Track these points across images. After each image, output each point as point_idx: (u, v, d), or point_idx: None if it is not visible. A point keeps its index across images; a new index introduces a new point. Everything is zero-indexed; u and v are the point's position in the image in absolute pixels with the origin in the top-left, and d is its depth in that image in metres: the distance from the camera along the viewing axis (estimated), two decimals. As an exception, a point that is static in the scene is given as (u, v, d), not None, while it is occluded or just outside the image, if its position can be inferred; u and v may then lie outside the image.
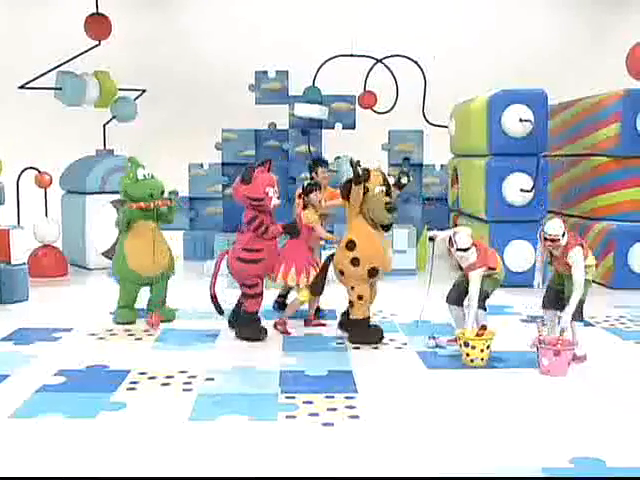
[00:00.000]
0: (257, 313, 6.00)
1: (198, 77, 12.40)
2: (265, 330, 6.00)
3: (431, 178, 10.64)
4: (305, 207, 6.27)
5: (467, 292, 5.59)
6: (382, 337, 5.88)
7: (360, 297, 5.79)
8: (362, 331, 5.84)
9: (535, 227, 7.14)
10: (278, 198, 5.90)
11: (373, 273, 5.75)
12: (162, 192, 6.56)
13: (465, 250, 5.49)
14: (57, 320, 6.60)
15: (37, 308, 7.23)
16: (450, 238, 5.57)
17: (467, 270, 5.53)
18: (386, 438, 3.98)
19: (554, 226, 5.22)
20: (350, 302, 5.88)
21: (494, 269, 5.59)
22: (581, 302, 5.32)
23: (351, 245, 5.73)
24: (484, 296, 5.59)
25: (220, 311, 6.08)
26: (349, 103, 10.67)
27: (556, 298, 5.51)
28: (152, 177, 6.54)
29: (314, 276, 6.09)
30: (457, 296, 5.76)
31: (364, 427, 4.14)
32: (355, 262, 5.70)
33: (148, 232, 6.46)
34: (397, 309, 7.01)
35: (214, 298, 6.04)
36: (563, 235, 5.22)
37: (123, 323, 6.46)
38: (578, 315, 5.33)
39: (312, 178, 7.00)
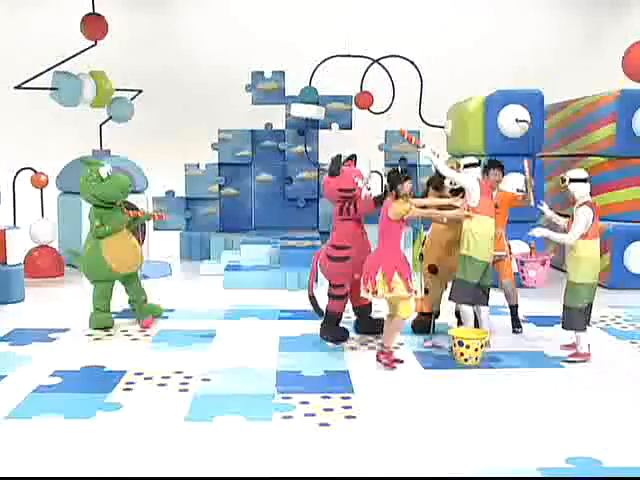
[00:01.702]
0: (340, 314, 5.92)
1: (194, 77, 12.41)
2: (346, 331, 5.92)
3: (427, 178, 10.61)
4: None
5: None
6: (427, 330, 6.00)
7: (426, 291, 6.12)
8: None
9: (532, 227, 7.16)
10: (369, 189, 5.85)
11: (431, 269, 6.05)
12: (129, 186, 6.42)
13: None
14: (53, 320, 6.59)
15: (33, 308, 7.21)
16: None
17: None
18: (382, 438, 3.98)
19: (576, 170, 5.45)
20: None
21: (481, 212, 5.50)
22: (585, 309, 5.31)
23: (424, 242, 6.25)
24: (478, 289, 5.60)
25: (320, 312, 6.04)
26: (346, 103, 10.68)
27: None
28: (114, 173, 6.35)
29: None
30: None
31: (360, 427, 4.14)
32: (421, 257, 6.14)
33: (123, 231, 6.40)
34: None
35: (313, 299, 6.04)
36: (573, 181, 5.28)
37: (100, 329, 6.35)
38: (583, 324, 5.32)
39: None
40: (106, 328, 6.37)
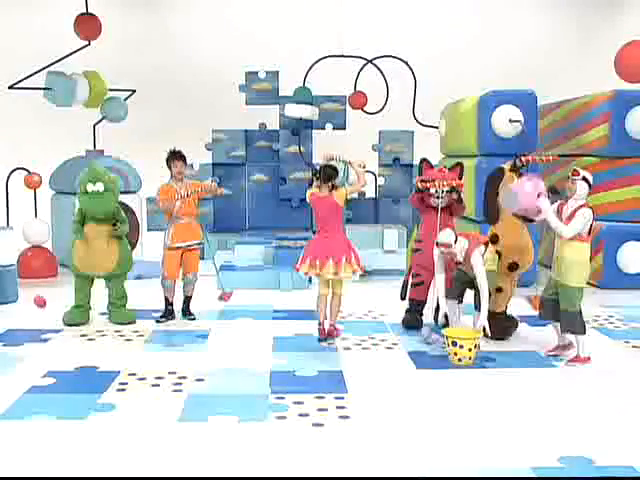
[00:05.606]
0: (416, 301, 6.39)
1: (188, 77, 12.38)
2: (418, 320, 6.37)
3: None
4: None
5: (465, 285, 5.73)
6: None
7: (499, 289, 5.97)
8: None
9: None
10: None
11: (513, 267, 5.94)
12: (108, 209, 6.43)
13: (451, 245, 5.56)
14: (46, 321, 6.57)
15: (26, 309, 7.18)
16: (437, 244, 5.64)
17: (467, 260, 5.52)
18: (376, 438, 3.99)
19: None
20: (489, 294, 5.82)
21: (487, 243, 5.65)
22: (578, 314, 5.28)
23: (494, 239, 5.89)
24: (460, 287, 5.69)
25: (403, 297, 6.53)
26: (339, 103, 10.69)
27: (554, 309, 5.43)
28: (101, 194, 6.43)
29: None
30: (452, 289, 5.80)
31: (354, 427, 4.15)
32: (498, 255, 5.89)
33: (94, 234, 6.41)
34: (387, 309, 7.02)
35: (404, 284, 6.54)
36: (584, 180, 5.28)
37: (72, 325, 6.41)
38: (583, 327, 5.29)
39: None
40: (78, 324, 6.42)
